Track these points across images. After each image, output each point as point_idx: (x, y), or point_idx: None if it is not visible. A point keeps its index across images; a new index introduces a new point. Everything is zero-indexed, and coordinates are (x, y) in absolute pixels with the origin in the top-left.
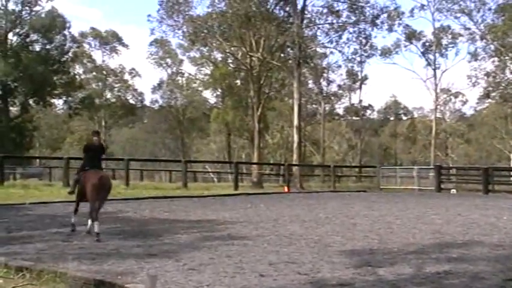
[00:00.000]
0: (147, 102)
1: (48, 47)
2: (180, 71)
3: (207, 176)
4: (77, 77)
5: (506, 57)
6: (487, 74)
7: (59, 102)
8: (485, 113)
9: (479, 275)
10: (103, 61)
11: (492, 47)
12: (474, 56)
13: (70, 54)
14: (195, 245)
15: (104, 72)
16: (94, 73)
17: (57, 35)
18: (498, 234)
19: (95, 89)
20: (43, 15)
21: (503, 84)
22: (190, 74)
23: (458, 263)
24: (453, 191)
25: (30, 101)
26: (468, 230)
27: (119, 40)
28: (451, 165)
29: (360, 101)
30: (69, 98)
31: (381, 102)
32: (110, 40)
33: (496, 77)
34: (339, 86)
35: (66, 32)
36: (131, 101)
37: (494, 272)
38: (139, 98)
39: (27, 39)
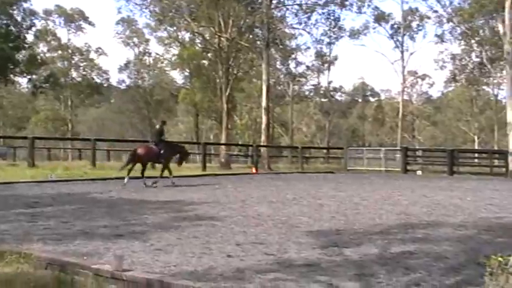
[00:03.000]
0: (113, 82)
1: (7, 22)
2: (147, 50)
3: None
4: (41, 54)
5: (473, 41)
6: (454, 57)
7: (23, 81)
8: (451, 96)
9: (443, 255)
10: (68, 39)
11: (459, 30)
12: (441, 38)
13: (32, 30)
14: (162, 226)
15: (70, 50)
16: (59, 51)
17: (17, 10)
18: (462, 215)
19: (60, 67)
20: None
21: (469, 68)
22: (157, 54)
23: (423, 243)
24: (419, 172)
25: None
26: (433, 211)
27: (85, 18)
28: (417, 147)
29: (330, 82)
30: (33, 76)
31: (349, 83)
32: (76, 18)
33: (462, 60)
34: (308, 68)
35: (26, 6)
36: (97, 80)
37: (456, 252)
38: (106, 76)
39: None
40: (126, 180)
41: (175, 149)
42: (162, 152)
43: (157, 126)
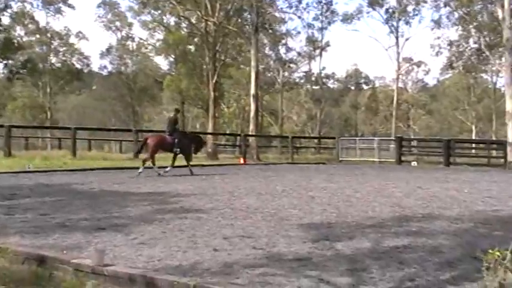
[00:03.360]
0: (95, 68)
1: None
2: (130, 35)
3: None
4: (17, 38)
5: (471, 26)
6: (451, 43)
7: None
8: (448, 84)
9: (438, 248)
10: (47, 23)
11: (456, 14)
12: (438, 23)
13: (8, 12)
14: (146, 219)
15: (48, 34)
16: (37, 35)
17: None
18: (458, 208)
19: (38, 52)
20: None
21: (466, 54)
22: (141, 39)
23: (417, 236)
24: (414, 163)
25: None
26: (428, 204)
27: (64, 1)
28: (412, 137)
29: (323, 68)
30: (10, 61)
31: (342, 70)
32: (55, 0)
33: (459, 47)
34: (299, 54)
35: None
36: (78, 66)
37: (452, 245)
38: (86, 62)
39: None
40: (156, 169)
41: (191, 139)
42: (176, 141)
43: (171, 115)
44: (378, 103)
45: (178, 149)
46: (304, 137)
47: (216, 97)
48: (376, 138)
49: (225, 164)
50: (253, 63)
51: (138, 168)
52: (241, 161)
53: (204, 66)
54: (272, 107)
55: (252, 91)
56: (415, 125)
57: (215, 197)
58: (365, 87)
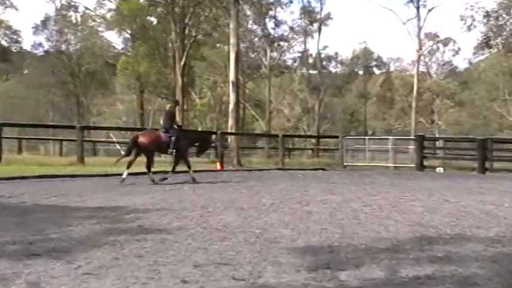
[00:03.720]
0: (27, 47)
1: None
2: (73, 3)
3: (111, 147)
4: None
5: None
6: (487, 15)
7: None
8: (483, 67)
9: (470, 279)
10: None
11: None
12: None
13: None
14: (93, 241)
15: None
16: None
17: None
18: (497, 227)
19: None
20: None
21: (507, 29)
22: (87, 9)
23: (445, 264)
24: (439, 169)
25: None
26: (458, 221)
27: None
28: (437, 136)
29: (323, 47)
30: None
31: (347, 50)
32: None
33: (498, 19)
34: (291, 29)
35: None
36: (3, 43)
37: (489, 275)
38: (16, 38)
39: None
40: (124, 175)
41: (193, 137)
42: (173, 140)
43: (168, 108)
44: (393, 92)
45: (173, 150)
46: (299, 136)
47: (185, 84)
48: (390, 137)
49: (197, 171)
50: (232, 41)
51: (83, 176)
52: (218, 166)
53: (170, 45)
54: (257, 97)
55: (232, 77)
56: (440, 120)
57: (184, 212)
58: (377, 71)
